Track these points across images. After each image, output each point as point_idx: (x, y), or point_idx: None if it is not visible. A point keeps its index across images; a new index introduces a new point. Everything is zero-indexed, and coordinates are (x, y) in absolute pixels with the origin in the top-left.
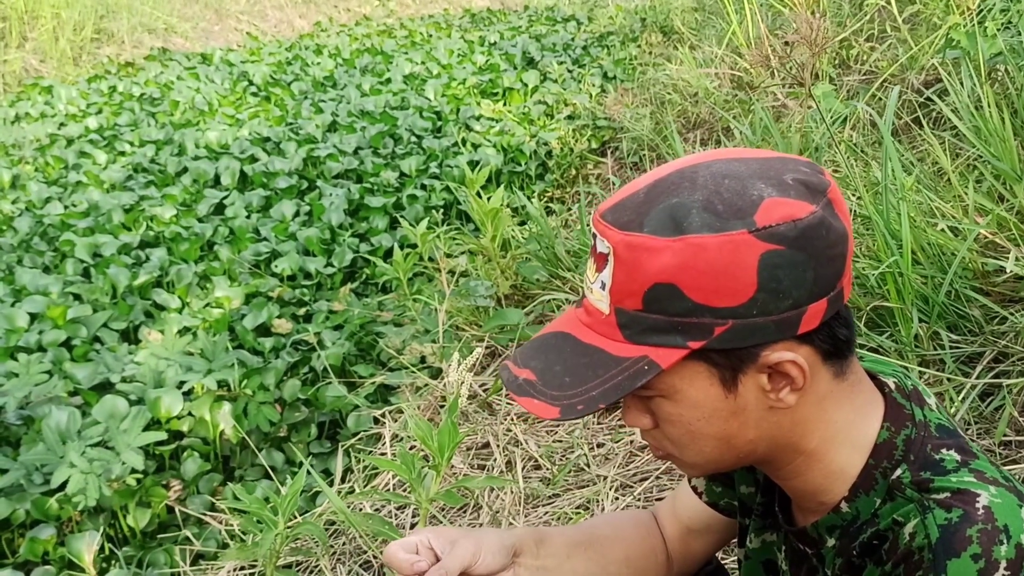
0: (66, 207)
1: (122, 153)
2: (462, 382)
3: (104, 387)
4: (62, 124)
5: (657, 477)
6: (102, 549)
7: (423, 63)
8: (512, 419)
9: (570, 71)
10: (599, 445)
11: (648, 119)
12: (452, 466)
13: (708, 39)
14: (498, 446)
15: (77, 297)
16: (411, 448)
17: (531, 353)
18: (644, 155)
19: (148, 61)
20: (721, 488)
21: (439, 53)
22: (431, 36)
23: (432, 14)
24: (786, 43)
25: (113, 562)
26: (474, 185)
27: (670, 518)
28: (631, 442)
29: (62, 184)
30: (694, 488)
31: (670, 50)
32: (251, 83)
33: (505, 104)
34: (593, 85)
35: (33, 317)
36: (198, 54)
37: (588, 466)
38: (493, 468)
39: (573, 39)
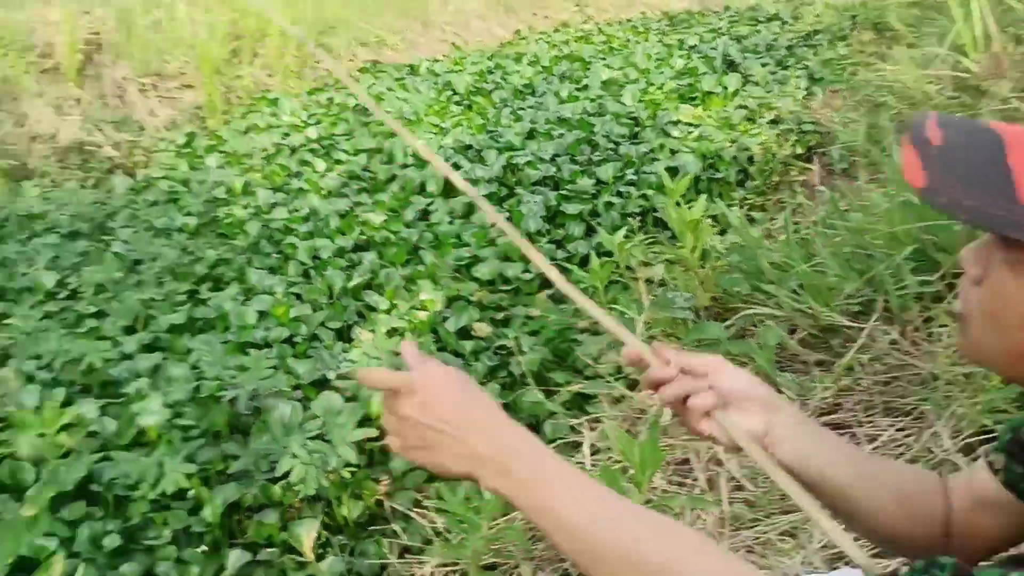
0: (289, 212)
1: (338, 161)
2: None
3: (322, 383)
4: (286, 134)
5: None
6: (319, 536)
7: (621, 68)
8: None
9: (773, 73)
10: None
11: (860, 124)
12: (652, 482)
13: (927, 37)
14: (699, 464)
15: (298, 297)
16: (609, 459)
17: (961, 125)
18: (856, 162)
19: (362, 73)
20: (1023, 470)
21: (637, 58)
22: (629, 41)
23: (630, 18)
24: (1019, 42)
25: (328, 549)
26: (674, 194)
27: (962, 488)
28: None
29: (286, 190)
30: (990, 464)
31: (884, 49)
32: (454, 92)
33: (704, 109)
34: (798, 87)
35: (261, 315)
36: (406, 65)
37: None
38: (694, 487)
39: (776, 39)
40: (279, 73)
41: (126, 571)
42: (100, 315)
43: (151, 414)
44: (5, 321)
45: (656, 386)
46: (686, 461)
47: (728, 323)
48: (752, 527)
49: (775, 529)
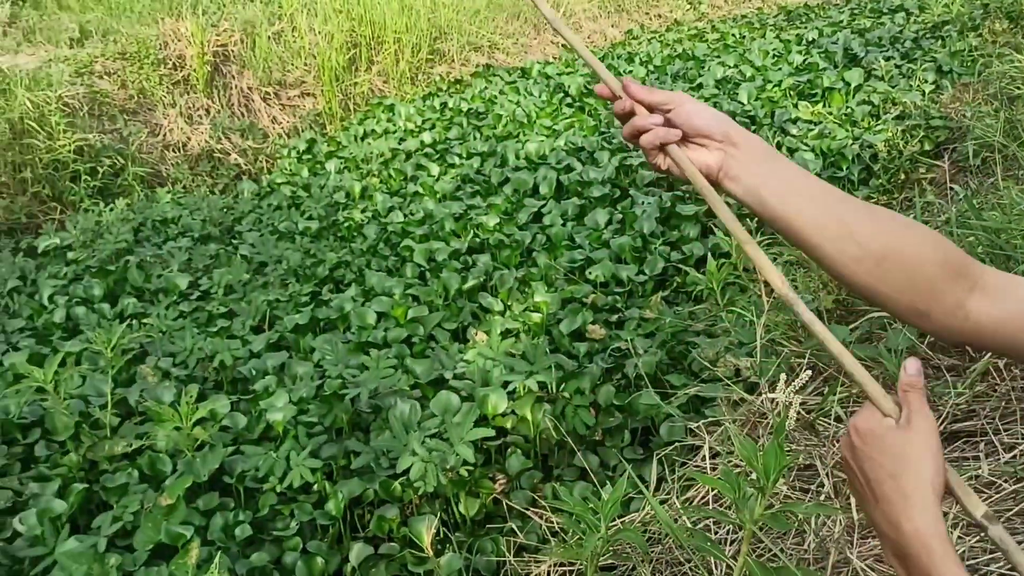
0: (405, 215)
1: (452, 165)
2: (789, 404)
3: (439, 382)
4: (401, 139)
5: (1009, 519)
6: (437, 532)
7: (736, 66)
8: (838, 443)
9: (898, 67)
10: None
11: (994, 118)
12: (775, 488)
13: None
14: (824, 470)
15: (415, 299)
16: (729, 463)
17: None
18: (990, 158)
19: (474, 78)
20: None
21: (752, 55)
22: (744, 38)
23: (745, 14)
24: None
25: (447, 545)
26: None
27: (991, 276)
28: (975, 477)
29: (402, 194)
30: None
31: (1019, 39)
32: (566, 94)
33: (825, 105)
34: (926, 81)
35: (380, 316)
36: (518, 68)
37: None
38: (820, 494)
39: (902, 31)
40: (394, 79)
41: (256, 560)
42: (229, 315)
43: (278, 410)
44: (143, 320)
45: (624, 120)
46: (810, 467)
47: (853, 326)
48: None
49: None
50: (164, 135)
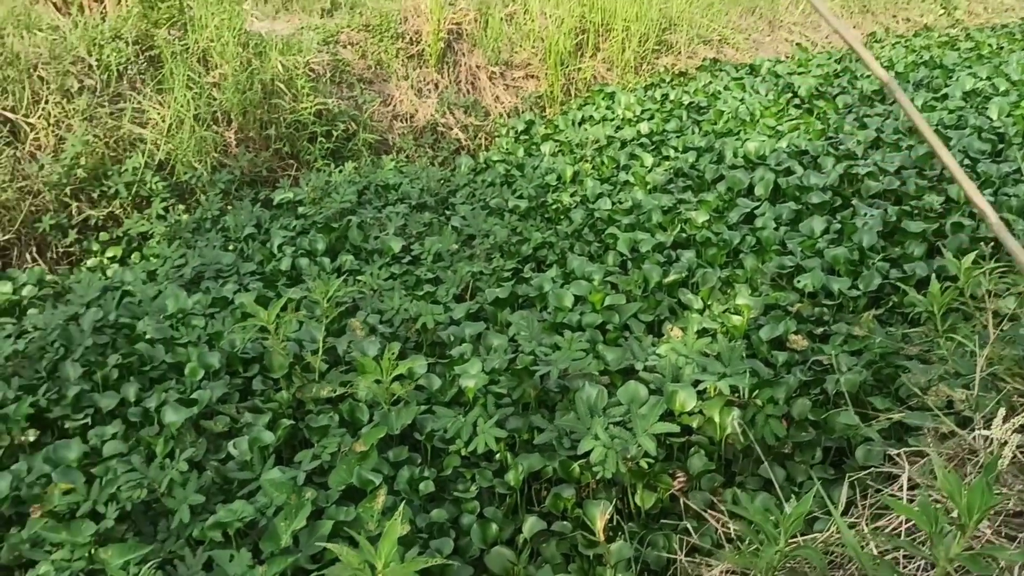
0: (613, 203)
1: (666, 157)
2: (1004, 442)
3: (628, 372)
4: (618, 127)
5: None
6: (611, 519)
7: (988, 79)
8: None
9: None
10: None
11: None
12: (977, 530)
13: None
14: None
15: (614, 286)
16: (929, 497)
17: None
18: None
19: (699, 71)
20: None
21: (1010, 67)
22: (1002, 49)
23: (1006, 23)
24: None
25: (619, 533)
26: None
27: None
28: None
29: (612, 182)
30: None
31: None
32: (795, 95)
33: None
34: None
35: (577, 299)
36: (746, 65)
37: None
38: None
39: None
40: (618, 67)
41: (436, 516)
42: (436, 281)
43: (471, 377)
44: (358, 277)
45: None
46: (1022, 514)
47: None
48: None
49: None
50: (394, 105)
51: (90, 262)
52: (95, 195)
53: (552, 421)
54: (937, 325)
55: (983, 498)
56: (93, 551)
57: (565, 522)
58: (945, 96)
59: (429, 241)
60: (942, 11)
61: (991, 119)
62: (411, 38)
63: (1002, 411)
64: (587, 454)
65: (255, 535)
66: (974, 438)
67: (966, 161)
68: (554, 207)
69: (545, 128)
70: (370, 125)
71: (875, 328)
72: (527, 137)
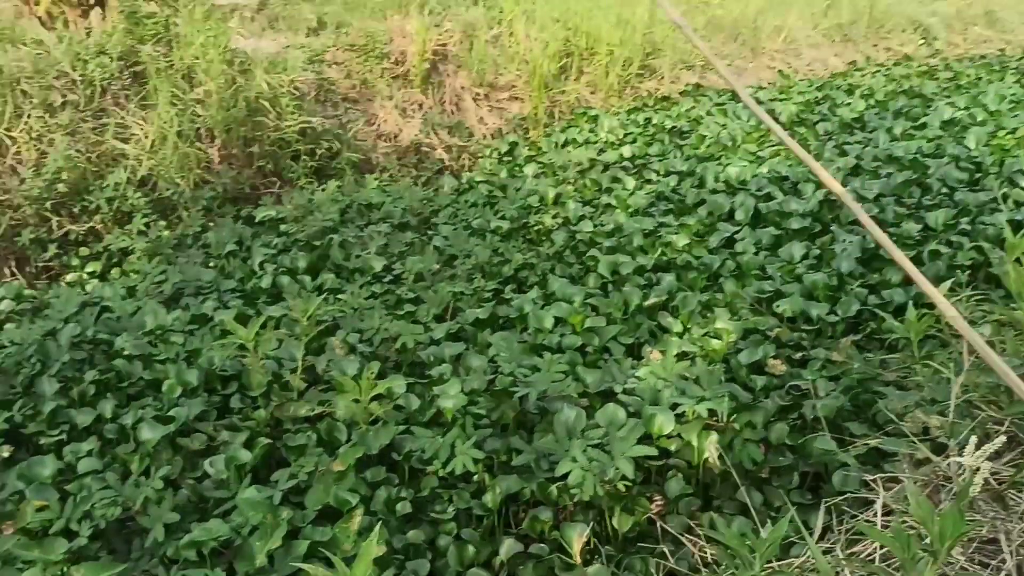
0: (595, 226)
1: (648, 181)
2: (977, 469)
3: (607, 395)
4: (601, 150)
5: None
6: (588, 542)
7: (967, 108)
8: None
9: None
10: None
11: None
12: (950, 556)
13: None
14: (1009, 547)
15: (594, 309)
16: (903, 523)
17: None
18: None
19: (682, 96)
20: None
21: (987, 98)
22: (980, 79)
23: (984, 55)
24: None
25: (596, 556)
26: (1016, 250)
27: None
28: None
29: (594, 205)
30: None
31: None
32: (777, 121)
33: None
34: None
35: (557, 321)
36: (728, 91)
37: None
38: (1000, 570)
39: None
40: (602, 91)
41: (412, 537)
42: (416, 301)
43: (450, 398)
44: (338, 295)
45: None
46: (994, 541)
47: None
48: None
49: None
50: (379, 125)
51: (69, 277)
52: (76, 210)
53: (531, 443)
54: (914, 352)
55: (955, 525)
56: (66, 569)
57: (542, 544)
58: (924, 125)
59: (411, 261)
60: (922, 41)
61: (969, 148)
62: (396, 59)
63: (974, 439)
64: (565, 476)
65: (230, 555)
66: (948, 465)
67: (943, 189)
68: (536, 229)
69: (528, 150)
70: (354, 144)
71: (853, 354)
72: (510, 158)
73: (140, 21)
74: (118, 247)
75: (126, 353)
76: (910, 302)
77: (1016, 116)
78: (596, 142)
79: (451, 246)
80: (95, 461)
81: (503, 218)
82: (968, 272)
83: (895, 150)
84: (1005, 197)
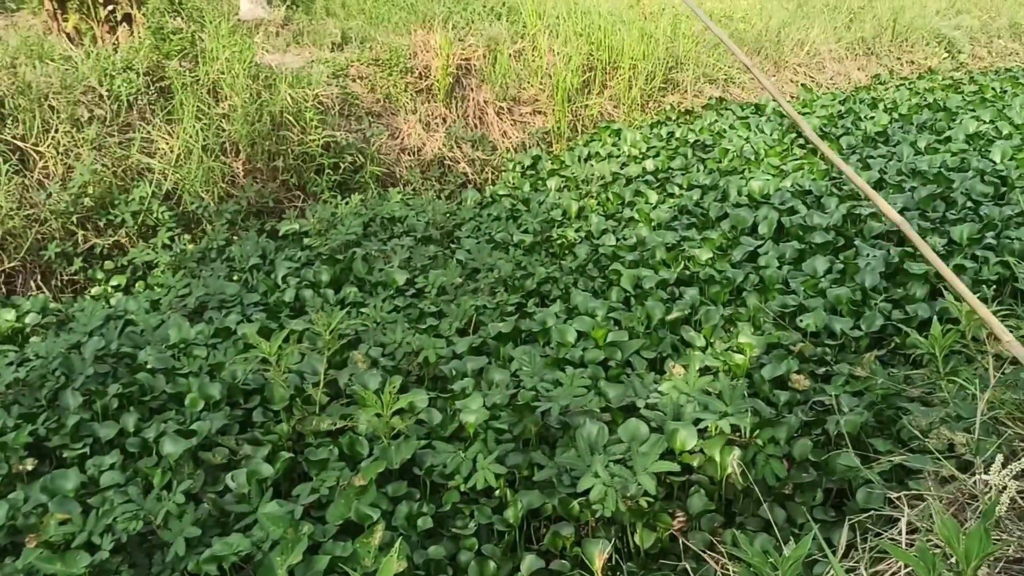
0: (617, 240)
1: (671, 195)
2: (1003, 487)
3: (630, 409)
4: (624, 164)
5: None
6: (610, 559)
7: (992, 122)
8: None
9: None
10: None
11: None
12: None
13: None
14: None
15: (617, 323)
16: (928, 542)
17: None
18: None
19: (705, 110)
20: None
21: (1013, 111)
22: (1005, 92)
23: (1009, 67)
24: None
25: (618, 573)
26: None
27: None
28: None
29: (617, 218)
30: None
31: None
32: (799, 135)
33: None
34: None
35: (580, 335)
36: (751, 104)
37: None
38: None
39: None
40: (625, 105)
41: (433, 553)
42: (439, 315)
43: (472, 412)
44: (361, 309)
45: None
46: (1021, 561)
47: None
48: None
49: None
50: (402, 139)
51: (94, 290)
52: (101, 224)
53: (552, 458)
54: (939, 367)
55: (981, 545)
56: None
57: (564, 560)
58: (948, 139)
59: (433, 274)
60: (946, 54)
61: (994, 162)
62: (420, 73)
63: (1000, 457)
64: (587, 492)
65: (251, 569)
66: (974, 483)
67: (968, 203)
68: (559, 242)
69: (551, 164)
70: (377, 158)
71: (877, 369)
72: (533, 172)
73: (166, 37)
74: (143, 261)
75: (149, 367)
76: (935, 317)
77: None
78: (619, 156)
79: (474, 260)
80: (117, 475)
81: (526, 232)
82: (993, 287)
83: (919, 164)
84: None
